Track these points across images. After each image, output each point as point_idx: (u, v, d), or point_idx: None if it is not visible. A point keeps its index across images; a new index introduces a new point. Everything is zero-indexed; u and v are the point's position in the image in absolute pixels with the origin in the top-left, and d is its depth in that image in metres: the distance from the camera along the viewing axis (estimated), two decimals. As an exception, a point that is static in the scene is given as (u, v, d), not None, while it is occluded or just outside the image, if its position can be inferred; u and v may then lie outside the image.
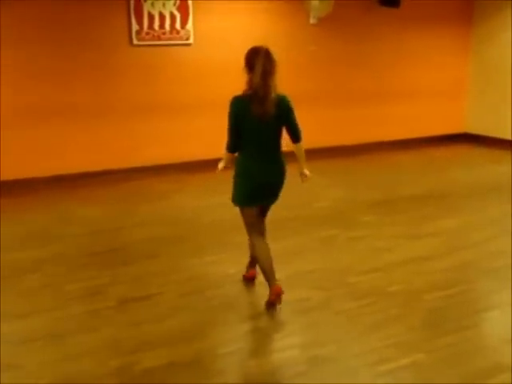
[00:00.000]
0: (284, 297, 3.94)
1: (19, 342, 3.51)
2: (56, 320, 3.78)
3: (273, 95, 3.63)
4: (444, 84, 9.48)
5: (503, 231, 5.30)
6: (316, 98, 8.29)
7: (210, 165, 7.77)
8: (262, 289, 4.13)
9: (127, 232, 5.50)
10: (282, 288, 3.81)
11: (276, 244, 4.47)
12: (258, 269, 4.18)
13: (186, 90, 7.64)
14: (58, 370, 3.21)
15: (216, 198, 6.37)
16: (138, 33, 7.23)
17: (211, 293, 4.15)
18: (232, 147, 3.82)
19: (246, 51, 3.72)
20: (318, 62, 8.41)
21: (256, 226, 3.94)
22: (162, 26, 7.32)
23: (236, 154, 3.86)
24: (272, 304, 3.85)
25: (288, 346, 3.44)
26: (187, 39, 7.52)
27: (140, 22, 7.19)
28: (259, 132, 3.72)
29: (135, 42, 7.24)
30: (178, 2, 7.34)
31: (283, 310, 3.91)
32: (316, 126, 8.27)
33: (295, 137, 3.85)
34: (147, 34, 7.27)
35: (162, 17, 7.30)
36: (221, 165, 3.94)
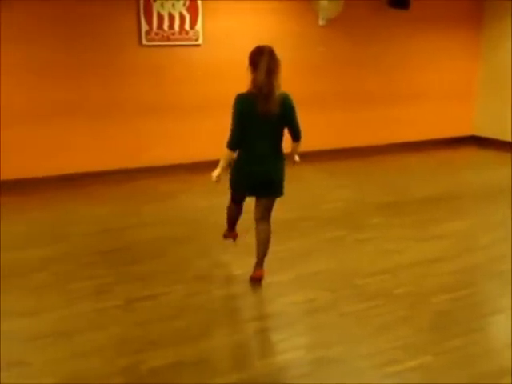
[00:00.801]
0: (291, 297, 3.94)
1: (26, 339, 3.52)
2: (63, 318, 3.78)
3: (277, 94, 3.71)
4: (453, 86, 9.44)
5: (511, 235, 5.26)
6: (325, 99, 8.27)
7: (216, 165, 7.84)
8: (268, 290, 4.13)
9: (134, 231, 5.50)
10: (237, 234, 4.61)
11: (284, 245, 4.48)
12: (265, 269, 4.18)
13: (194, 91, 7.65)
14: (64, 368, 3.21)
15: (223, 199, 6.31)
16: (148, 33, 7.24)
17: (217, 293, 4.15)
18: (235, 144, 3.89)
19: (250, 51, 3.86)
20: (327, 64, 8.39)
21: (237, 201, 4.32)
22: (171, 26, 7.33)
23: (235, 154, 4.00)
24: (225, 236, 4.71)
25: (294, 347, 3.43)
26: (196, 40, 7.53)
27: (149, 23, 7.21)
28: (262, 129, 3.79)
29: (144, 42, 7.25)
30: (187, 2, 7.35)
31: (290, 310, 3.90)
32: (325, 127, 8.26)
33: (296, 136, 3.98)
34: (156, 34, 7.29)
35: (171, 17, 7.31)
36: (216, 172, 4.06)
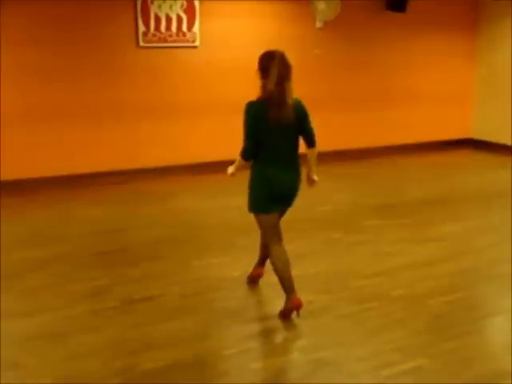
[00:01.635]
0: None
1: (22, 340, 3.52)
2: (59, 319, 3.78)
3: (289, 100, 3.54)
4: (449, 89, 9.46)
5: (507, 237, 5.28)
6: (320, 101, 8.27)
7: (214, 167, 7.88)
8: (265, 291, 4.14)
9: (130, 233, 5.51)
10: (301, 301, 3.70)
11: (280, 247, 4.45)
12: (266, 268, 4.18)
13: (191, 93, 7.66)
14: (60, 369, 3.21)
15: (220, 200, 6.38)
16: (145, 34, 7.25)
17: (214, 295, 4.15)
18: (248, 154, 3.69)
19: (260, 55, 3.60)
20: (323, 66, 8.41)
21: (274, 234, 3.81)
22: (168, 28, 7.34)
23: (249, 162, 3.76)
24: (285, 316, 3.74)
25: (291, 349, 3.44)
26: (193, 41, 7.54)
27: (147, 24, 7.21)
28: (277, 138, 3.60)
29: (142, 43, 7.26)
30: (184, 4, 7.36)
31: (286, 312, 3.90)
32: (320, 129, 8.16)
33: (311, 142, 3.81)
34: (154, 35, 7.29)
35: (168, 19, 7.32)
36: (231, 169, 3.89)
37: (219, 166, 7.80)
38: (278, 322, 3.78)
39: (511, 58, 8.87)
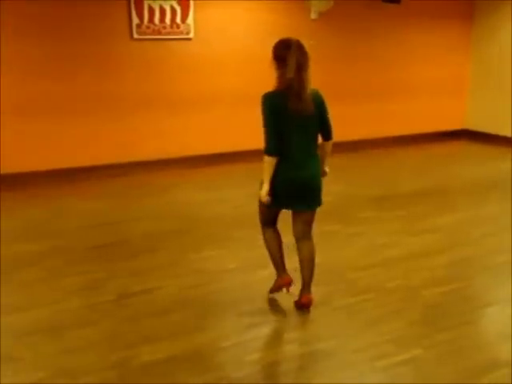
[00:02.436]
0: (283, 292, 3.95)
1: (18, 334, 3.52)
2: (55, 313, 3.78)
3: (309, 90, 3.42)
4: (444, 80, 9.46)
5: (502, 228, 5.31)
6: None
7: (211, 159, 7.88)
8: (262, 284, 4.14)
9: (127, 226, 5.50)
10: (291, 279, 3.85)
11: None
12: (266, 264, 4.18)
13: (186, 85, 7.63)
14: (56, 362, 3.22)
15: (217, 193, 6.37)
16: (139, 27, 7.20)
17: (211, 287, 4.16)
18: (273, 149, 3.41)
19: (274, 44, 3.47)
20: (318, 58, 8.29)
21: (271, 223, 3.81)
22: (162, 20, 7.30)
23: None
24: (273, 291, 3.91)
25: (287, 341, 3.45)
26: (188, 34, 7.50)
27: (140, 16, 7.17)
28: (298, 131, 3.42)
29: (135, 35, 7.22)
30: (178, -4, 7.33)
31: (283, 304, 3.92)
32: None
33: (328, 134, 3.63)
34: (147, 27, 7.25)
35: (162, 11, 7.28)
36: (264, 191, 3.48)
37: (216, 159, 7.88)
38: (275, 315, 3.79)
39: (506, 50, 8.88)
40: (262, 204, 3.64)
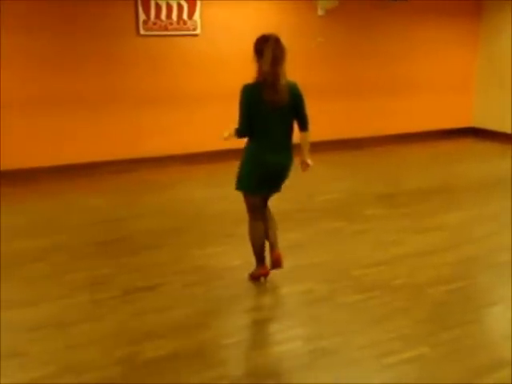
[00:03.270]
0: (289, 288, 3.96)
1: (23, 330, 3.52)
2: (60, 309, 3.79)
3: (283, 82, 3.63)
4: (451, 78, 9.43)
5: (508, 226, 5.28)
6: (322, 90, 8.25)
7: (214, 156, 7.87)
8: (265, 281, 4.13)
9: (131, 222, 5.50)
10: (268, 271, 4.10)
11: (281, 236, 4.46)
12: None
13: (192, 81, 7.62)
14: (61, 358, 3.22)
15: (220, 190, 6.37)
16: (145, 23, 7.20)
17: (214, 284, 4.15)
18: (242, 133, 3.80)
19: (255, 40, 3.71)
20: (325, 54, 8.36)
21: (256, 212, 4.01)
22: (169, 16, 7.29)
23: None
24: (253, 278, 4.14)
25: (291, 338, 3.44)
26: (194, 30, 7.49)
27: (147, 12, 7.16)
28: (270, 119, 3.70)
29: (142, 32, 7.22)
30: (185, -8, 7.32)
31: (287, 301, 3.91)
32: (323, 118, 8.22)
33: (303, 125, 3.88)
34: (154, 24, 7.25)
35: (169, 7, 7.27)
36: (226, 134, 3.89)
37: (220, 156, 7.87)
38: (278, 311, 3.78)
39: (514, 46, 8.83)
40: (245, 194, 3.96)
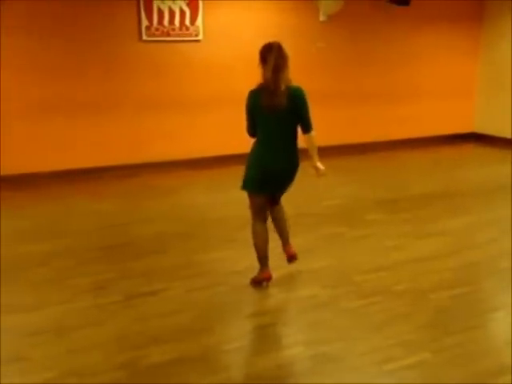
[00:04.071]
0: (291, 294, 3.96)
1: (26, 334, 3.53)
2: (63, 313, 3.79)
3: (283, 88, 3.78)
4: (453, 83, 9.44)
5: (509, 232, 5.27)
6: (324, 95, 8.26)
7: (218, 161, 7.88)
8: (268, 286, 4.14)
9: (134, 227, 5.51)
10: (270, 275, 4.13)
11: (283, 241, 4.47)
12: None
13: (194, 87, 7.65)
14: (64, 363, 3.23)
15: (224, 195, 6.38)
16: (148, 28, 7.23)
17: (218, 289, 4.16)
18: (248, 133, 4.05)
19: (260, 47, 3.88)
20: (327, 61, 8.39)
21: (260, 214, 4.10)
22: (171, 21, 7.33)
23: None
24: (255, 283, 4.15)
25: (294, 343, 3.44)
26: (196, 35, 7.52)
27: (150, 18, 7.20)
28: (270, 122, 3.89)
29: (144, 37, 7.25)
30: (187, -2, 7.35)
31: (290, 307, 3.92)
32: (324, 124, 8.21)
33: (306, 127, 3.94)
34: (157, 29, 7.28)
35: (171, 13, 7.30)
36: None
37: (224, 161, 7.88)
38: (281, 317, 3.79)
39: (515, 52, 8.84)
40: (250, 193, 4.06)
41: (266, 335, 3.62)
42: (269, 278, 4.14)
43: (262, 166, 3.97)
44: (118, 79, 7.28)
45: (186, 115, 7.70)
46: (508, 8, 8.93)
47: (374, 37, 8.62)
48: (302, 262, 4.55)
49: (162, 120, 7.58)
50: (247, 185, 4.05)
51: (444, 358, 3.27)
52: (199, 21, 7.47)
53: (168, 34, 7.36)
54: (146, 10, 7.17)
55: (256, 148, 4.01)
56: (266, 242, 4.10)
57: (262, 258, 4.12)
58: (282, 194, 4.22)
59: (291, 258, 4.34)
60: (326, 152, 8.16)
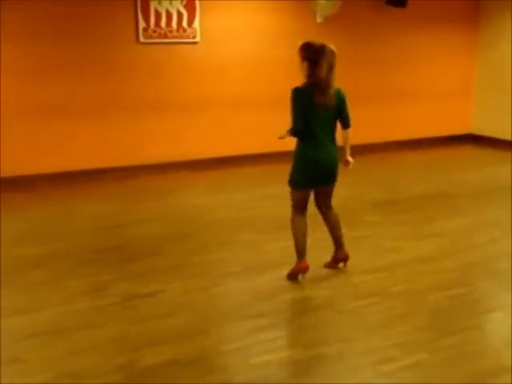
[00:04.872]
0: (288, 295, 3.95)
1: (23, 336, 3.52)
2: (60, 316, 3.79)
3: (333, 88, 4.07)
4: (450, 84, 9.45)
5: (507, 233, 5.28)
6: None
7: (214, 163, 7.88)
8: (265, 287, 4.14)
9: (131, 229, 5.51)
10: (308, 265, 4.23)
11: (281, 242, 4.49)
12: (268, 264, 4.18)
13: (191, 88, 7.65)
14: (61, 365, 3.22)
15: (220, 196, 6.38)
16: (145, 30, 7.24)
17: (215, 290, 4.16)
18: (297, 130, 4.08)
19: (305, 47, 4.21)
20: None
21: (302, 208, 4.24)
22: (168, 23, 7.33)
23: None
24: (290, 277, 4.24)
25: (291, 345, 3.44)
26: (194, 37, 7.53)
27: (147, 20, 7.20)
28: (320, 120, 4.09)
29: (142, 39, 7.26)
30: (185, 0, 7.35)
31: (287, 308, 3.92)
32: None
33: (346, 123, 4.43)
34: (154, 31, 7.28)
35: (168, 15, 7.31)
36: (283, 134, 4.12)
37: (221, 162, 7.88)
38: (278, 318, 3.79)
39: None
40: (293, 188, 4.21)
41: (263, 337, 3.61)
42: (306, 269, 4.24)
43: (313, 161, 4.12)
44: (115, 81, 7.28)
45: (184, 117, 7.70)
46: (505, 8, 8.95)
47: (370, 38, 8.64)
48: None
49: (159, 122, 7.58)
50: (293, 180, 4.19)
51: (441, 358, 3.27)
52: (196, 23, 7.48)
53: (165, 36, 7.37)
54: (143, 12, 7.18)
55: (304, 145, 4.14)
56: (304, 235, 4.25)
57: (300, 251, 4.24)
58: (332, 190, 4.36)
59: (342, 259, 4.52)
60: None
